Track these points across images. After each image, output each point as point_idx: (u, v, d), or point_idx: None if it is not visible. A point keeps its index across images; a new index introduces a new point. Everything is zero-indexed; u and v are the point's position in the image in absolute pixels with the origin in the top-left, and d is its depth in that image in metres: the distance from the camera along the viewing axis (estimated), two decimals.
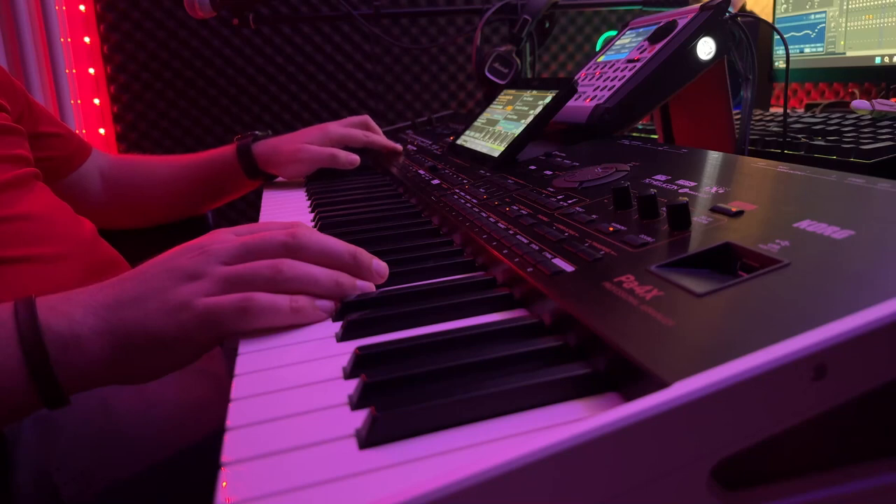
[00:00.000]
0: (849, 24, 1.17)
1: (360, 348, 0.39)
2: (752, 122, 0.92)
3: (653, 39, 0.80)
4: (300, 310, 0.45)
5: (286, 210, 0.90)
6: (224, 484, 0.29)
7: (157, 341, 0.44)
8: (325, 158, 0.98)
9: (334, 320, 0.47)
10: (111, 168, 1.02)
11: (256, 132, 1.05)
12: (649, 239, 0.42)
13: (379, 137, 1.05)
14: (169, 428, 0.58)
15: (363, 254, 0.50)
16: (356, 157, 1.00)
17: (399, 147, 1.06)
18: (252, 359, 0.42)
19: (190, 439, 0.57)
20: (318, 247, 0.48)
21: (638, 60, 0.79)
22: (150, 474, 0.55)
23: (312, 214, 0.83)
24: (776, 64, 1.35)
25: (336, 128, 1.02)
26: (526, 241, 0.49)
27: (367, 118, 1.07)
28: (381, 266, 0.51)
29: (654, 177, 0.55)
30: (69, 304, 0.45)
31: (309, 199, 0.94)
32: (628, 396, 0.32)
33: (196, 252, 0.47)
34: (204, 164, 1.04)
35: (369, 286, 0.49)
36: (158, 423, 0.59)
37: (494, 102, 0.94)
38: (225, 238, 0.49)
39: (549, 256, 0.45)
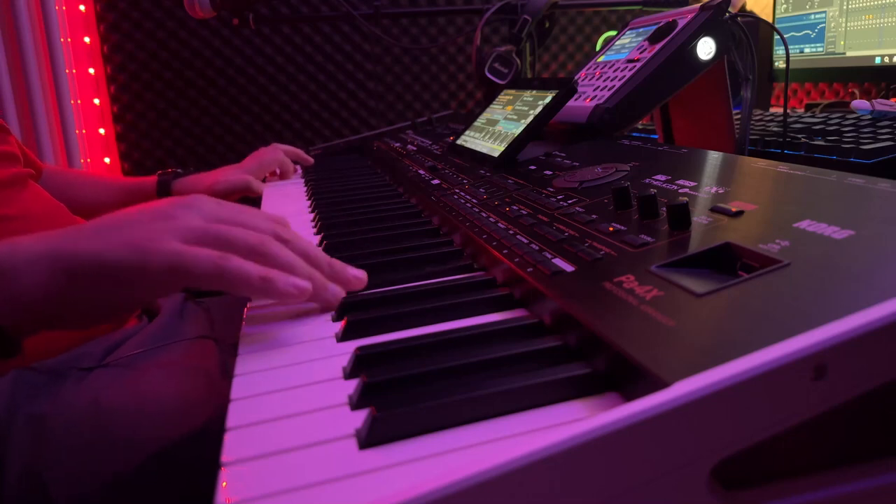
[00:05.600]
0: (849, 24, 1.17)
1: (360, 348, 0.39)
2: (752, 122, 0.92)
3: (653, 39, 0.80)
4: (270, 282, 0.44)
5: (286, 210, 0.90)
6: (224, 484, 0.29)
7: (110, 271, 0.42)
8: (241, 187, 1.05)
9: (334, 320, 0.47)
10: (44, 180, 1.01)
11: (178, 170, 1.10)
12: (649, 239, 0.42)
13: (288, 162, 1.18)
14: (160, 426, 0.58)
15: (339, 264, 0.50)
16: (262, 186, 1.09)
17: (310, 159, 1.24)
18: (252, 359, 0.42)
19: (181, 438, 0.57)
20: (301, 244, 0.49)
21: (638, 60, 0.79)
22: (140, 473, 0.55)
23: (312, 215, 0.83)
24: (776, 64, 1.35)
25: (248, 161, 1.13)
26: (526, 241, 0.49)
27: (274, 145, 1.19)
28: (357, 272, 0.50)
29: (654, 177, 0.55)
30: (23, 238, 0.43)
31: (309, 200, 0.94)
32: (628, 396, 0.32)
33: (177, 202, 0.46)
34: (126, 190, 1.09)
35: (341, 292, 0.49)
36: (149, 422, 0.58)
37: (494, 102, 0.94)
38: (205, 200, 0.48)
39: (549, 256, 0.45)
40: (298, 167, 1.24)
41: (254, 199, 1.08)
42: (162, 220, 0.44)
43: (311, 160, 1.25)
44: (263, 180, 1.14)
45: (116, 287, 0.43)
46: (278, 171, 1.18)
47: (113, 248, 0.43)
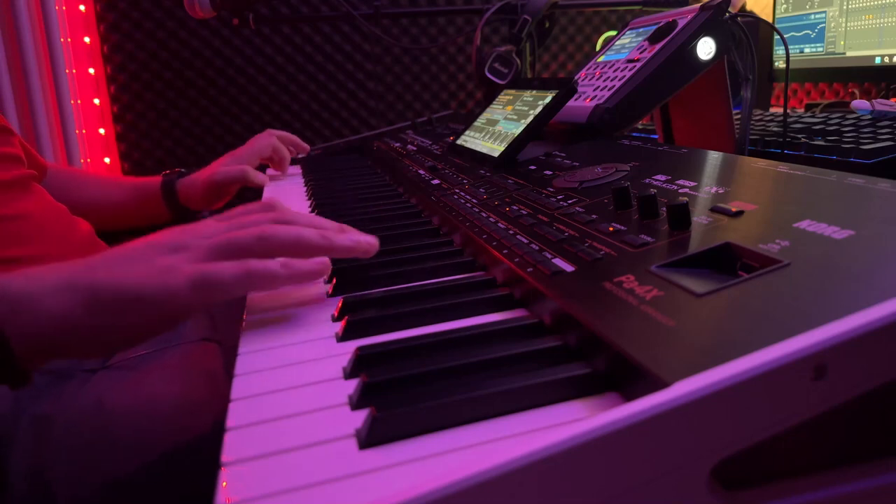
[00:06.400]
0: (849, 24, 1.17)
1: (360, 348, 0.39)
2: (752, 122, 0.92)
3: (653, 39, 0.80)
4: (292, 266, 0.46)
5: None
6: (224, 484, 0.29)
7: (134, 298, 0.42)
8: (238, 177, 1.05)
9: (334, 320, 0.47)
10: (48, 180, 1.01)
11: (182, 170, 1.11)
12: (649, 239, 0.42)
13: (282, 147, 1.17)
14: (164, 427, 0.58)
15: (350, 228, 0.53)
16: (265, 178, 1.09)
17: (306, 146, 1.25)
18: (252, 359, 0.42)
19: (185, 438, 0.57)
20: (305, 217, 0.52)
21: (638, 60, 0.79)
22: (143, 474, 0.55)
23: (312, 215, 0.83)
24: (776, 64, 1.35)
25: (243, 149, 1.13)
26: (526, 241, 0.49)
27: (269, 130, 1.18)
28: (370, 237, 0.52)
29: (654, 177, 0.55)
30: (39, 269, 0.43)
31: (309, 200, 0.94)
32: (628, 396, 0.32)
33: (178, 231, 0.48)
34: (130, 190, 1.09)
35: (355, 241, 0.51)
36: (153, 422, 0.58)
37: (494, 102, 0.94)
38: (207, 222, 0.50)
39: (549, 256, 0.45)
40: (298, 166, 1.24)
41: (255, 191, 1.09)
42: (174, 251, 0.45)
43: (308, 147, 1.25)
44: (263, 169, 1.14)
45: (141, 317, 0.43)
46: (274, 158, 1.17)
47: (136, 278, 0.43)
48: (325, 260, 0.49)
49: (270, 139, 1.16)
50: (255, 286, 0.45)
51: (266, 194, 1.03)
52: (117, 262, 0.44)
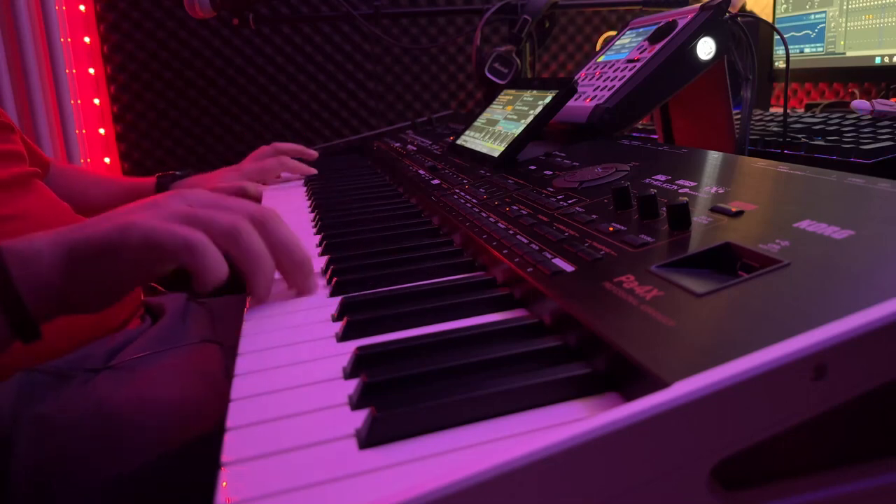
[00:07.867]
0: (849, 24, 1.17)
1: (360, 348, 0.39)
2: (752, 122, 0.92)
3: (653, 39, 0.80)
4: (224, 273, 0.47)
5: (286, 211, 0.90)
6: (224, 484, 0.29)
7: (99, 249, 0.47)
8: (234, 193, 1.03)
9: (334, 320, 0.47)
10: (51, 177, 1.02)
11: (177, 172, 1.11)
12: (649, 239, 0.42)
13: (290, 161, 1.14)
14: (164, 428, 0.58)
15: (309, 265, 0.52)
16: (262, 188, 1.08)
17: (313, 153, 1.20)
18: (252, 359, 0.42)
19: (185, 439, 0.57)
20: (279, 233, 0.50)
21: (638, 60, 0.79)
22: (144, 474, 0.55)
23: (312, 214, 0.83)
24: (776, 64, 1.35)
25: (249, 164, 1.12)
26: (526, 241, 0.49)
27: (274, 145, 1.17)
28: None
29: (654, 177, 0.55)
30: (32, 234, 0.48)
31: (309, 200, 0.94)
32: (628, 396, 0.32)
33: (170, 192, 0.51)
34: (127, 191, 1.10)
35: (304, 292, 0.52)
36: (153, 423, 0.58)
37: (494, 102, 0.94)
38: (197, 191, 0.52)
39: (549, 256, 0.45)
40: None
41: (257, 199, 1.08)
42: (152, 207, 0.49)
43: (315, 154, 1.22)
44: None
45: (114, 265, 0.47)
46: (282, 175, 1.16)
47: (101, 231, 0.47)
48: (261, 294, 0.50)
49: (277, 163, 1.13)
50: (194, 262, 0.46)
51: (266, 195, 1.03)
52: (101, 219, 0.49)
